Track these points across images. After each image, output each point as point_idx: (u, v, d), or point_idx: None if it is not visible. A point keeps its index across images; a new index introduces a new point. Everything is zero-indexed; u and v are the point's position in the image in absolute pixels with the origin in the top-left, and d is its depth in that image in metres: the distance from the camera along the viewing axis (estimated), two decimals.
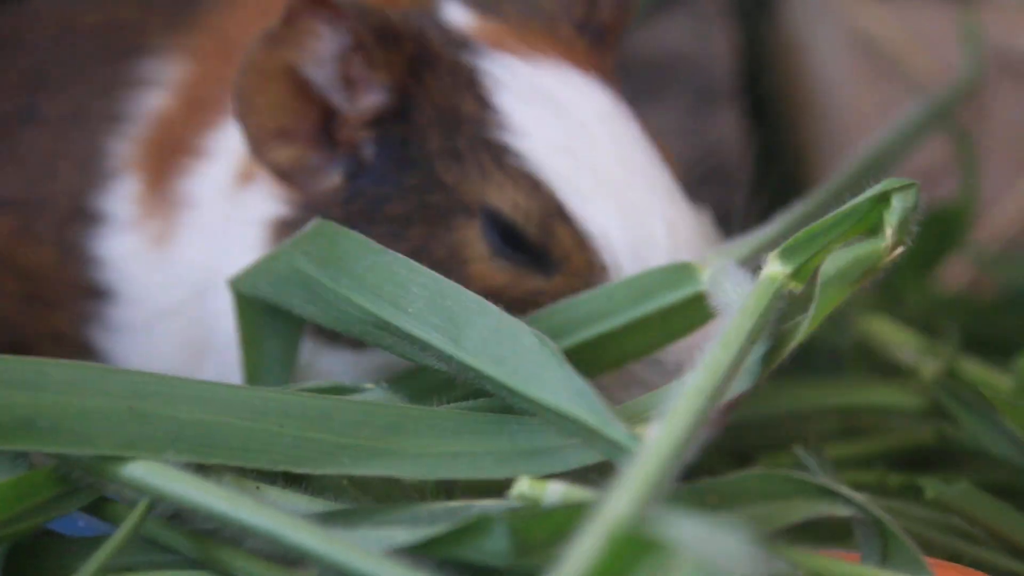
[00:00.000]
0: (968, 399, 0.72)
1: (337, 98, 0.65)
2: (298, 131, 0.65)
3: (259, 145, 0.64)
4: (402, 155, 0.65)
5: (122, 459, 0.53)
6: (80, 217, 0.72)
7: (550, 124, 0.65)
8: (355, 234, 0.60)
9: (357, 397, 0.59)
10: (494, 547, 0.50)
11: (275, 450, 0.54)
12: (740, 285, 0.57)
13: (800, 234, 0.55)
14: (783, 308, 0.55)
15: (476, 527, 0.50)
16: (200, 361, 0.69)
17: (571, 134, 0.65)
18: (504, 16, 0.68)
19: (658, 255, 0.63)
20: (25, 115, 0.74)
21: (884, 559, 0.53)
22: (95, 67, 0.73)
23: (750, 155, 0.96)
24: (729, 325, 0.52)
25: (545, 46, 0.67)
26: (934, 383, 0.74)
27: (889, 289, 0.90)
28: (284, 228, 0.65)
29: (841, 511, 0.53)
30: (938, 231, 0.90)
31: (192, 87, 0.71)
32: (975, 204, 0.91)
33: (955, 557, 0.63)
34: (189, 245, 0.69)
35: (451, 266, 0.63)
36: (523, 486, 0.51)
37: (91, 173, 0.71)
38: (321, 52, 0.63)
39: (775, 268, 0.55)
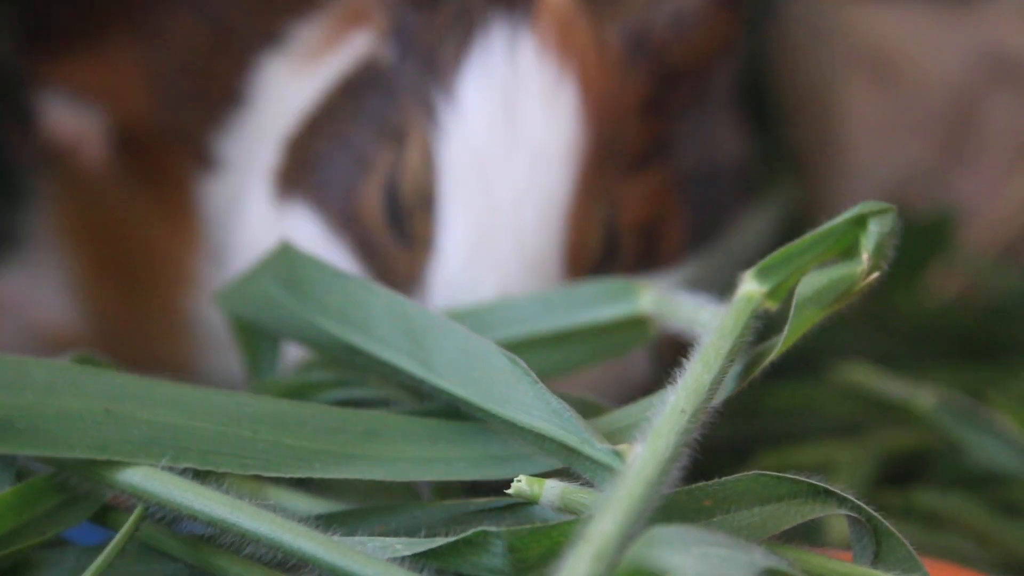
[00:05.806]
0: (970, 415, 0.72)
1: None
2: None
3: None
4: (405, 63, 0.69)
5: (119, 464, 0.53)
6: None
7: (487, 125, 0.67)
8: (314, 258, 0.61)
9: (341, 393, 0.60)
10: (492, 563, 0.50)
11: (247, 455, 0.54)
12: (700, 306, 0.58)
13: (776, 254, 0.55)
14: (759, 327, 0.55)
15: (474, 542, 0.50)
16: None
17: (496, 143, 0.67)
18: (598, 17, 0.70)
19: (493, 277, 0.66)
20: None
21: (878, 559, 0.53)
22: None
23: (750, 156, 0.97)
24: (708, 343, 0.52)
25: (580, 58, 0.69)
26: (930, 413, 0.73)
27: (881, 298, 0.91)
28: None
29: (836, 511, 0.52)
30: (923, 238, 0.90)
31: None
32: (956, 214, 0.91)
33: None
34: None
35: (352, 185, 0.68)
36: (521, 484, 0.51)
37: None
38: None
39: (751, 287, 0.55)
